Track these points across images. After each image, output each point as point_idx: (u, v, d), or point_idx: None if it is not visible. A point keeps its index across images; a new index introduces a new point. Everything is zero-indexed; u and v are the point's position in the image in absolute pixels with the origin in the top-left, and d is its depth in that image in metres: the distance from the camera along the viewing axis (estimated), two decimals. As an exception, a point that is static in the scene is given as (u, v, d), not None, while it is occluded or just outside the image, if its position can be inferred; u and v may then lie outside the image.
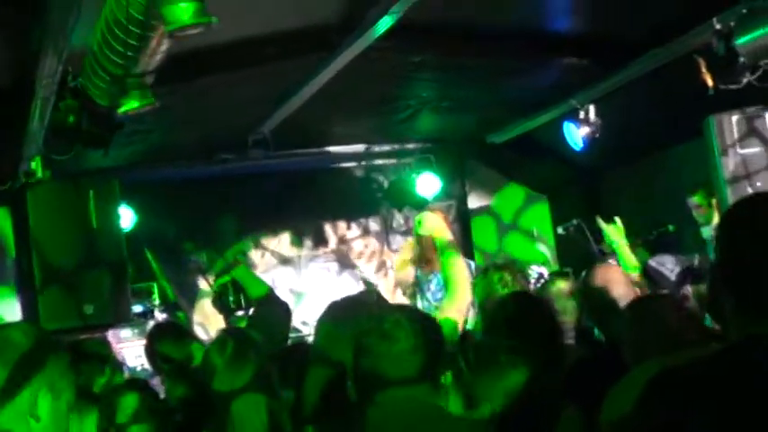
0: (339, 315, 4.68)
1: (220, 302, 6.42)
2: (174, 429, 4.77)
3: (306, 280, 13.63)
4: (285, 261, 13.64)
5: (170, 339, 6.23)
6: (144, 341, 9.98)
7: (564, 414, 4.00)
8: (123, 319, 8.89)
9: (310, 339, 11.61)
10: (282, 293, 13.18)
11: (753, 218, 2.75)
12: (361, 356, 3.38)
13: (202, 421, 4.05)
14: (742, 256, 2.69)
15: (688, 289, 8.44)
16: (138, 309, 10.79)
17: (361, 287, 13.49)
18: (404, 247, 8.81)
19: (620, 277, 5.73)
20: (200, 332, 11.88)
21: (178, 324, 7.56)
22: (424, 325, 3.46)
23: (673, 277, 8.22)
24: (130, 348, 10.69)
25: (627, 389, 3.41)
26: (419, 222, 6.02)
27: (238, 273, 6.32)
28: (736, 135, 9.23)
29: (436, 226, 5.94)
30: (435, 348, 3.40)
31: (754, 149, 9.20)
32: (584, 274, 5.98)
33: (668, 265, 10.40)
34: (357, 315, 3.93)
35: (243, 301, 6.20)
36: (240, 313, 6.51)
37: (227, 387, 3.90)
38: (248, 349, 4.09)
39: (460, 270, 5.58)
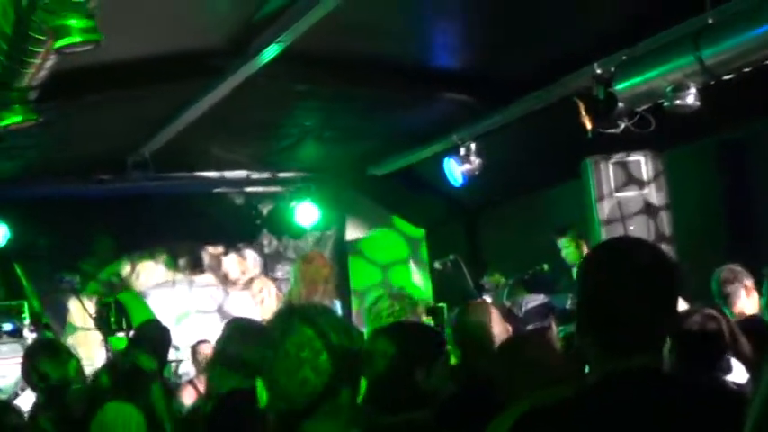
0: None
1: (101, 321, 6.33)
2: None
3: (180, 303, 13.51)
4: (160, 284, 13.51)
5: (48, 357, 6.13)
6: (13, 359, 9.88)
7: None
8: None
9: (183, 363, 11.58)
10: (158, 316, 13.10)
11: (609, 262, 2.89)
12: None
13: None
14: (598, 298, 2.82)
15: (551, 326, 8.64)
16: (7, 326, 10.58)
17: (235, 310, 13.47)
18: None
19: (493, 315, 5.78)
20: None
21: (57, 342, 7.43)
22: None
23: (521, 315, 8.38)
24: (-1, 366, 10.50)
25: (500, 426, 3.48)
26: (294, 271, 6.09)
27: (125, 297, 6.25)
28: (612, 178, 9.42)
29: (307, 280, 6.04)
30: None
31: (629, 193, 9.40)
32: (457, 310, 6.03)
33: (528, 304, 10.58)
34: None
35: (124, 322, 6.12)
36: (120, 334, 6.42)
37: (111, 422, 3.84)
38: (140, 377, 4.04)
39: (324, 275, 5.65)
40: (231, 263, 14.06)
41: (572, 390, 2.83)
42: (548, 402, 2.80)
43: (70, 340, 12.31)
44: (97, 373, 4.11)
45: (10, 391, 9.08)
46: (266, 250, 14.29)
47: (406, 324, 5.41)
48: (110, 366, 4.03)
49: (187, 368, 11.90)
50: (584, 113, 8.59)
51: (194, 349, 11.45)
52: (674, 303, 2.87)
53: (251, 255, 14.21)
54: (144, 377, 4.01)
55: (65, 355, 6.24)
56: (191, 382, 10.93)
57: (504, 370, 4.30)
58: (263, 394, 2.97)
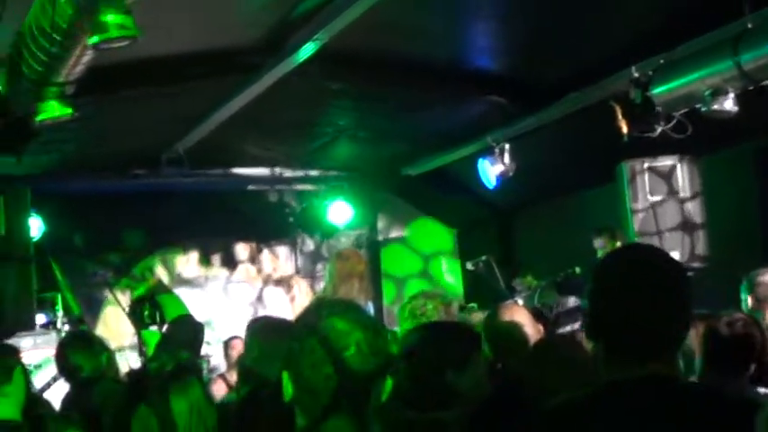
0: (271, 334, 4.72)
1: (134, 315, 6.33)
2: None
3: (212, 299, 13.55)
4: (192, 280, 13.56)
5: (82, 349, 6.15)
6: (46, 350, 9.93)
7: None
8: (26, 327, 8.78)
9: (213, 358, 11.63)
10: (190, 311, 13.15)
11: (620, 269, 2.88)
12: None
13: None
14: (608, 307, 2.81)
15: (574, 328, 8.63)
16: (41, 319, 10.62)
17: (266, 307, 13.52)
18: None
19: (525, 316, 5.76)
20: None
21: (90, 334, 7.46)
22: None
23: (551, 317, 8.37)
24: (30, 358, 10.54)
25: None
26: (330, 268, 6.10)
27: (158, 291, 6.25)
28: (647, 182, 9.37)
29: (343, 278, 6.06)
30: None
31: (663, 197, 9.34)
32: (489, 312, 6.00)
33: (559, 307, 10.58)
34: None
35: (158, 316, 6.13)
36: (153, 328, 6.42)
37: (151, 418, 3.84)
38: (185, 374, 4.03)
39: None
40: (264, 260, 14.09)
41: (584, 393, 2.84)
42: (559, 403, 2.81)
43: (103, 333, 12.36)
44: (138, 372, 4.12)
45: (43, 383, 9.12)
46: (299, 248, 14.31)
47: (441, 324, 5.39)
48: (149, 365, 4.04)
49: (218, 362, 11.95)
50: (620, 117, 8.56)
51: (226, 344, 11.49)
52: (686, 310, 2.86)
53: (283, 252, 14.24)
54: (186, 374, 4.01)
55: (98, 348, 6.27)
56: (221, 376, 10.96)
57: (537, 369, 4.28)
58: (288, 388, 2.96)
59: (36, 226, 10.92)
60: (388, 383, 3.02)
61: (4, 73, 6.79)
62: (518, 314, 5.66)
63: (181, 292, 12.95)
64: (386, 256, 14.57)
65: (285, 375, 2.98)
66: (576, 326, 9.03)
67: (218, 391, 10.24)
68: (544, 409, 2.88)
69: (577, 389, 3.55)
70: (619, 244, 10.32)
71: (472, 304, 12.92)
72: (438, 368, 4.34)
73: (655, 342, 2.77)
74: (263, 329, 5.10)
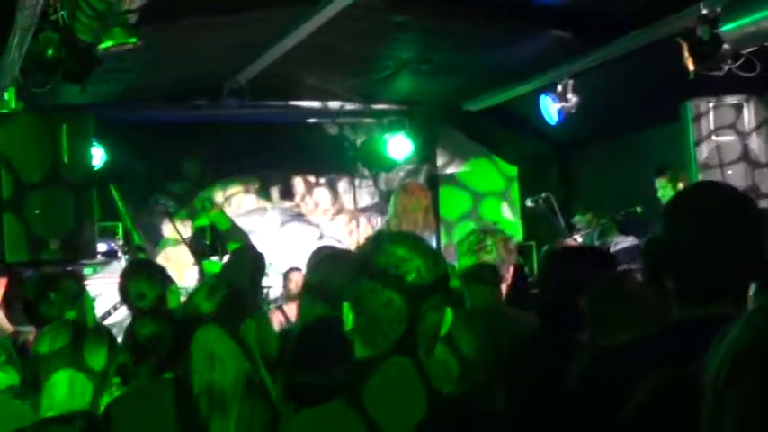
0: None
1: (195, 244, 6.37)
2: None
3: (270, 232, 13.62)
4: (251, 212, 13.62)
5: (145, 277, 6.19)
6: (107, 279, 10.04)
7: None
8: (88, 256, 8.86)
9: (272, 290, 11.70)
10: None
11: (696, 208, 2.82)
12: None
13: (174, 361, 3.98)
14: (682, 244, 2.76)
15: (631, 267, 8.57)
16: (102, 247, 10.71)
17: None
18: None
19: None
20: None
21: (154, 263, 7.50)
22: None
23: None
24: (92, 287, 10.65)
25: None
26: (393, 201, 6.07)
27: (221, 225, 6.26)
28: (712, 122, 9.27)
29: (407, 212, 6.04)
30: None
31: (728, 138, 9.24)
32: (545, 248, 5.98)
33: (618, 245, 10.52)
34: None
35: (218, 246, 6.15)
36: (214, 258, 6.46)
37: (210, 342, 3.83)
38: (238, 300, 4.03)
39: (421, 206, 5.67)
40: (322, 193, 14.11)
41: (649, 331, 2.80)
42: (621, 342, 2.78)
43: (162, 263, 12.47)
44: (194, 295, 4.09)
45: (103, 311, 9.23)
46: (357, 181, 14.31)
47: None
48: (208, 289, 4.01)
49: (277, 294, 12.03)
50: (687, 54, 8.44)
51: (286, 276, 11.56)
52: (759, 252, 2.80)
53: (342, 186, 14.24)
54: (243, 301, 4.00)
55: (160, 277, 6.30)
56: (280, 308, 11.02)
57: (603, 305, 4.24)
58: (348, 317, 2.96)
59: (98, 155, 10.98)
60: (449, 315, 3.00)
61: (69, 1, 6.79)
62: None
63: (239, 223, 13.17)
64: (443, 191, 14.53)
65: (346, 305, 2.97)
66: (634, 265, 8.96)
67: (276, 322, 10.31)
68: (609, 346, 2.85)
69: (643, 327, 3.53)
70: (681, 184, 10.24)
71: (530, 242, 12.92)
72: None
73: (729, 281, 2.72)
74: (325, 259, 5.09)
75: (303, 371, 3.91)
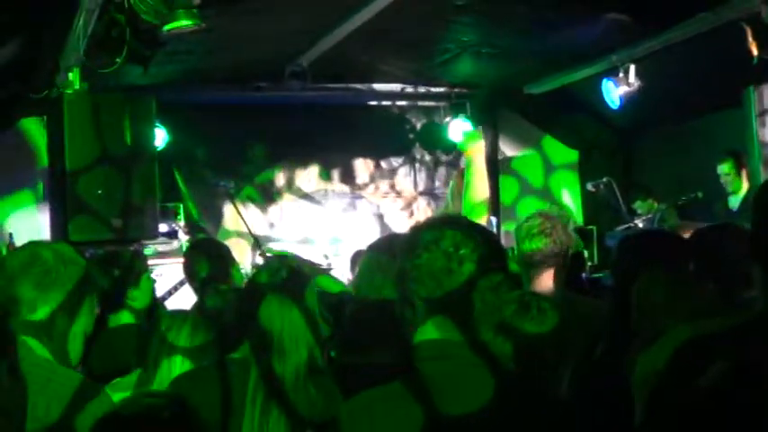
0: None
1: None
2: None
3: (332, 214, 13.68)
4: (312, 194, 13.68)
5: (209, 257, 6.25)
6: (168, 259, 10.13)
7: None
8: (150, 236, 8.95)
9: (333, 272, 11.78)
10: (309, 225, 13.32)
11: None
12: None
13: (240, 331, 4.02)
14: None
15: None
16: (163, 228, 10.81)
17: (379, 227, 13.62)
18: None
19: None
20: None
21: (219, 243, 7.57)
22: None
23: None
24: (153, 267, 10.75)
25: (658, 354, 3.43)
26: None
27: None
28: (776, 108, 9.19)
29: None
30: None
31: (792, 123, 9.17)
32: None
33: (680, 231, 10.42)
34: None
35: None
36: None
37: (276, 314, 3.87)
38: (299, 281, 4.06)
39: (479, 198, 5.68)
40: (382, 175, 14.14)
41: (738, 319, 2.74)
42: (713, 329, 2.70)
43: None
44: (258, 274, 4.14)
45: (163, 291, 9.31)
46: (418, 164, 14.32)
47: None
48: (271, 269, 4.06)
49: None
50: (751, 39, 8.38)
51: (353, 260, 11.61)
52: None
53: (403, 168, 14.26)
54: (303, 278, 4.04)
55: (225, 253, 6.37)
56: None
57: (650, 293, 4.22)
58: (418, 304, 2.99)
59: (160, 136, 11.08)
60: (510, 297, 3.03)
61: (133, -18, 6.86)
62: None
63: (301, 205, 13.26)
64: (503, 176, 14.50)
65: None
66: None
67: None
68: (698, 335, 2.77)
69: (697, 316, 3.48)
70: (744, 170, 10.17)
71: (591, 227, 12.88)
72: None
73: None
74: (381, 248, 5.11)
75: (352, 352, 3.94)
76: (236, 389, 3.80)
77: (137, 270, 5.96)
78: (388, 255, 4.84)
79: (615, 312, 4.53)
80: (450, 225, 3.03)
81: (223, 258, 6.33)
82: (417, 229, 3.19)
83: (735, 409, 2.52)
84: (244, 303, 4.05)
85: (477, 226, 3.10)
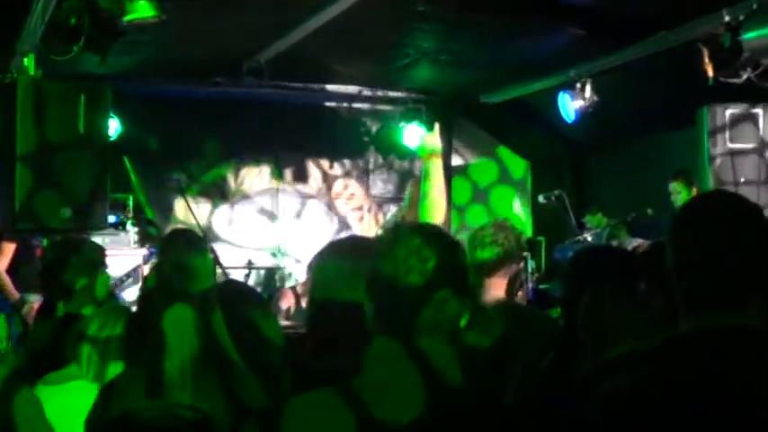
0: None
1: None
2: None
3: (283, 213, 13.65)
4: (264, 191, 13.65)
5: (183, 247, 6.20)
6: (115, 251, 10.06)
7: None
8: (99, 227, 8.85)
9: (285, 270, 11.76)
10: (259, 224, 13.30)
11: (706, 215, 2.83)
12: None
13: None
14: (691, 252, 2.77)
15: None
16: (111, 219, 10.73)
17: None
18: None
19: None
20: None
21: (193, 233, 7.52)
22: None
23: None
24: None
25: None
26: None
27: None
28: (728, 129, 9.25)
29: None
30: None
31: (743, 145, 9.23)
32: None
33: (628, 248, 10.50)
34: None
35: None
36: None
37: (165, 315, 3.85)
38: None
39: (437, 202, 5.69)
40: (335, 177, 14.13)
41: (654, 342, 2.80)
42: (631, 351, 2.77)
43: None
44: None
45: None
46: (371, 167, 14.33)
47: None
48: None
49: (289, 274, 12.10)
50: (707, 60, 8.44)
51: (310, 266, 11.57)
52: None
53: (356, 171, 14.26)
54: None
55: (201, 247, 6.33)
56: (293, 288, 11.05)
57: (602, 312, 4.24)
58: (370, 309, 2.98)
59: (113, 126, 11.00)
60: (467, 306, 3.03)
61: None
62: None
63: (252, 202, 13.24)
64: (455, 182, 14.54)
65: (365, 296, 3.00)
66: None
67: (286, 302, 10.32)
68: (618, 356, 2.84)
69: (644, 336, 3.53)
70: (695, 190, 10.25)
71: (539, 238, 12.95)
72: None
73: (732, 290, 2.72)
74: (339, 250, 5.10)
75: (315, 358, 3.91)
76: None
77: (95, 260, 5.92)
78: (349, 259, 4.83)
79: (565, 325, 4.56)
80: (411, 232, 3.03)
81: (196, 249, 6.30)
82: (380, 233, 3.21)
83: (623, 420, 2.61)
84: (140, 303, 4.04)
85: (443, 236, 3.09)
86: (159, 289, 3.88)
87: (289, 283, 11.71)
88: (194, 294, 3.83)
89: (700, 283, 2.74)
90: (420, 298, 2.90)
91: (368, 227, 13.87)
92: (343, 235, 13.67)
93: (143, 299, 3.98)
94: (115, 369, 4.37)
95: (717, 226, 2.78)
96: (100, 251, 6.14)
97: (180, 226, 12.45)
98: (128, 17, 6.96)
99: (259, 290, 11.43)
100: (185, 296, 3.78)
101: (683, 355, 2.69)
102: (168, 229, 12.53)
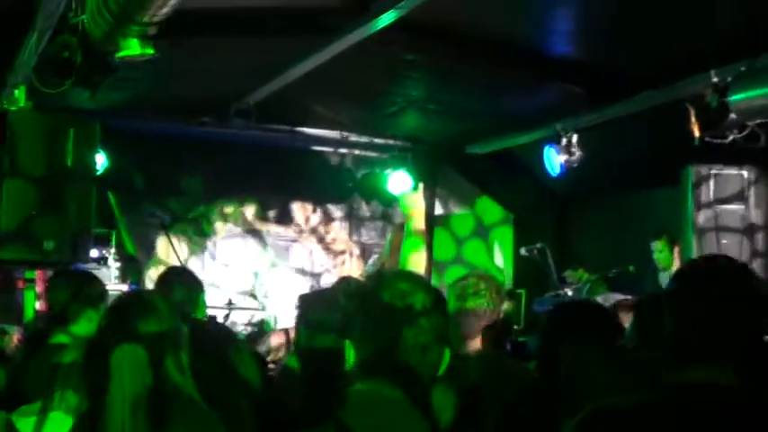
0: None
1: None
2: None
3: (264, 255, 13.64)
4: (246, 232, 13.65)
5: (181, 285, 6.18)
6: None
7: None
8: (81, 261, 8.85)
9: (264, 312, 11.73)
10: (240, 264, 13.28)
11: (703, 278, 2.87)
12: None
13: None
14: (684, 310, 2.81)
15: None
16: (93, 253, 10.71)
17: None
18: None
19: None
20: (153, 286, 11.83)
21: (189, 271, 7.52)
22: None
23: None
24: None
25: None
26: (402, 199, 6.08)
27: None
28: (712, 189, 9.30)
29: (417, 207, 6.03)
30: None
31: (727, 206, 9.27)
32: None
33: (607, 303, 10.52)
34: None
35: None
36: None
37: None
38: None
39: (418, 259, 5.69)
40: (318, 221, 14.14)
41: (639, 396, 2.82)
42: (610, 405, 2.80)
43: (154, 275, 12.48)
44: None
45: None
46: (354, 213, 14.35)
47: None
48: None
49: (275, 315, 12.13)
50: (693, 120, 8.50)
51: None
52: (759, 321, 2.84)
53: (339, 216, 14.27)
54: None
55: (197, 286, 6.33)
56: (285, 330, 11.02)
57: (580, 365, 4.25)
58: (350, 354, 2.99)
59: (99, 161, 11.00)
60: (447, 354, 3.05)
61: (90, 6, 6.83)
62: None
63: (234, 243, 13.23)
64: (437, 232, 14.55)
65: (347, 343, 3.01)
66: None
67: (276, 340, 10.28)
68: (594, 410, 2.86)
69: (624, 389, 3.55)
70: (677, 249, 10.30)
71: (520, 290, 12.95)
72: None
73: (712, 348, 2.76)
74: (314, 303, 5.12)
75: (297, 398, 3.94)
76: None
77: (100, 293, 5.92)
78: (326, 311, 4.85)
79: (541, 377, 4.58)
80: (396, 278, 3.05)
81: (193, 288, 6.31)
82: (363, 279, 3.23)
83: None
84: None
85: (426, 284, 3.11)
86: (113, 325, 3.88)
87: (272, 325, 11.70)
88: (148, 334, 3.82)
89: (691, 339, 2.78)
90: (402, 341, 2.92)
91: (350, 272, 13.86)
92: (326, 279, 13.70)
93: (98, 333, 3.97)
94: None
95: (710, 290, 2.83)
96: (102, 285, 6.16)
97: (162, 262, 12.47)
98: (120, 54, 6.97)
99: (239, 330, 11.42)
100: (137, 336, 3.78)
101: (660, 413, 2.72)
102: (151, 266, 12.57)
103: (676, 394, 2.75)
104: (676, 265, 10.49)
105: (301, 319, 5.11)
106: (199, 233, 13.32)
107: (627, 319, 5.45)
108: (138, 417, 3.60)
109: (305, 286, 13.30)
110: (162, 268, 12.10)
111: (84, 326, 5.55)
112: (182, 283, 6.14)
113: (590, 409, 2.85)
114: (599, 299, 11.05)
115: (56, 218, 8.31)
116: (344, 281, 6.57)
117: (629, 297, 10.00)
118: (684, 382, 2.76)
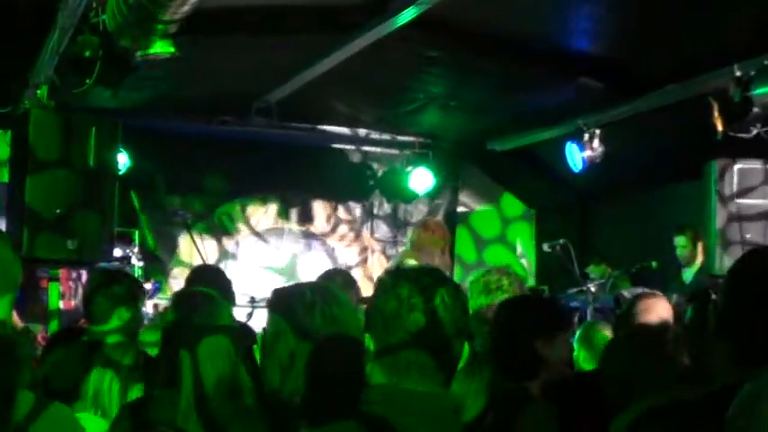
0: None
1: None
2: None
3: (286, 253, 13.64)
4: (269, 230, 13.64)
5: (208, 282, 6.20)
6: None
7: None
8: (104, 260, 8.86)
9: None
10: (263, 262, 13.28)
11: (761, 272, 2.81)
12: None
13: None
14: (744, 307, 2.75)
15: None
16: (117, 252, 10.73)
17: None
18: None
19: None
20: (177, 285, 11.84)
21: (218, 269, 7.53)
22: None
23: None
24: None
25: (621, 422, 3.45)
26: (413, 235, 6.11)
27: None
28: (735, 184, 9.23)
29: (424, 247, 6.08)
30: None
31: (750, 201, 9.20)
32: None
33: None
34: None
35: None
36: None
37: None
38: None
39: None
40: (340, 218, 14.12)
41: (695, 393, 2.78)
42: (668, 403, 2.75)
43: (177, 274, 12.51)
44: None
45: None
46: (376, 210, 14.32)
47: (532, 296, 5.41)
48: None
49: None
50: (716, 114, 8.45)
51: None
52: None
53: (360, 213, 14.25)
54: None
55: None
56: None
57: (619, 361, 4.24)
58: (370, 344, 2.99)
59: (121, 160, 11.01)
60: (466, 348, 3.04)
61: (111, 5, 6.83)
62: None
63: (256, 241, 13.22)
64: (460, 230, 14.53)
65: (367, 336, 3.01)
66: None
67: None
68: (654, 407, 2.82)
69: (663, 383, 3.51)
70: (700, 244, 10.25)
71: (543, 287, 12.92)
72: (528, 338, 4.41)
73: None
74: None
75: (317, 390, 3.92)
76: None
77: (134, 293, 5.94)
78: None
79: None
80: (417, 273, 3.04)
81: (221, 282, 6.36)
82: (382, 275, 3.22)
83: None
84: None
85: (446, 278, 3.10)
86: (185, 321, 3.93)
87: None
88: (225, 327, 3.89)
89: (747, 339, 2.73)
90: (418, 338, 2.92)
91: (372, 269, 13.85)
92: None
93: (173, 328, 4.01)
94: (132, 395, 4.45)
95: None
96: (139, 285, 6.21)
97: (185, 261, 12.49)
98: (141, 53, 6.98)
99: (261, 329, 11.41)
100: (217, 329, 3.86)
101: (719, 411, 2.65)
102: (174, 265, 12.59)
103: (729, 393, 2.69)
104: (699, 260, 10.44)
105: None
106: (221, 231, 13.32)
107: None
108: (211, 407, 3.67)
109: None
110: (184, 267, 12.19)
111: (115, 324, 5.57)
112: (214, 281, 6.19)
113: (650, 405, 2.82)
114: (625, 293, 11.06)
115: (78, 217, 8.32)
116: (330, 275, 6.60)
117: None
118: (740, 379, 2.69)
